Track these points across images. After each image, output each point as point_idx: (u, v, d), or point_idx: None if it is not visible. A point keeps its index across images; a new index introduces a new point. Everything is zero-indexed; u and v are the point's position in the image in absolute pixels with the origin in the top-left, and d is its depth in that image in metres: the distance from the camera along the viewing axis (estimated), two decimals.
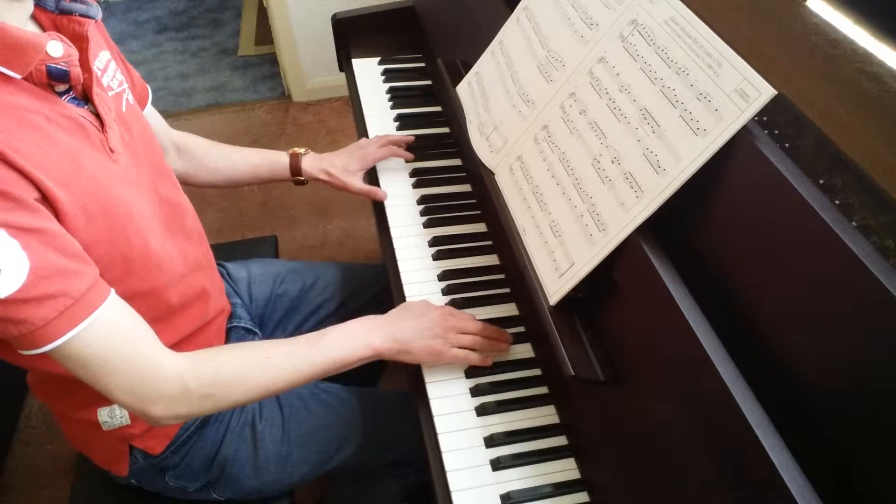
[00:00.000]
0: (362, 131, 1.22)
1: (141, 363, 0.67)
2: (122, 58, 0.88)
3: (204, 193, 2.20)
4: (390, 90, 1.30)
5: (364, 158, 1.10)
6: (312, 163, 1.10)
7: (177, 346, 0.86)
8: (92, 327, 0.62)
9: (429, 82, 1.33)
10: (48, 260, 0.59)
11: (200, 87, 2.74)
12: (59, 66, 0.63)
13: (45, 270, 0.58)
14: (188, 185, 1.08)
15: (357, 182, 1.10)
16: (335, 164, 1.09)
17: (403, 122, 1.24)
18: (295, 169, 1.10)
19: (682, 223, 0.65)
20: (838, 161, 0.64)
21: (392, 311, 0.87)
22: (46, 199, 0.60)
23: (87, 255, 0.65)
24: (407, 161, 1.14)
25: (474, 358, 0.85)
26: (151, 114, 0.99)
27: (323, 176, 1.10)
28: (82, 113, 0.68)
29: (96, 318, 0.63)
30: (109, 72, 0.77)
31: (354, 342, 0.80)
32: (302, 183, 1.13)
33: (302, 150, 1.11)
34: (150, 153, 0.82)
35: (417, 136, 1.20)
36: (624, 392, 0.70)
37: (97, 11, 0.70)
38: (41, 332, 0.60)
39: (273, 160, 1.10)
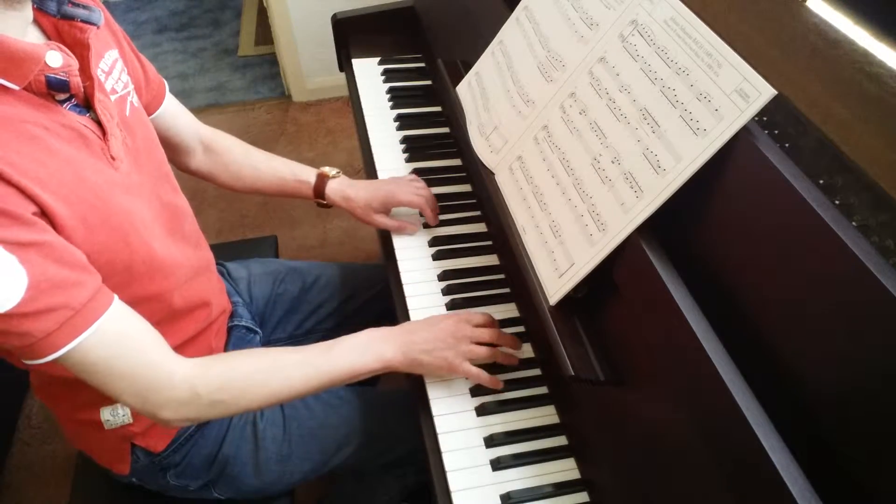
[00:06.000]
0: (362, 131, 1.22)
1: (148, 370, 0.67)
2: (135, 51, 0.86)
3: (204, 193, 2.20)
4: (390, 90, 1.30)
5: (388, 199, 1.03)
6: (337, 188, 1.05)
7: (178, 348, 0.86)
8: (95, 336, 0.63)
9: (429, 82, 1.33)
10: (47, 273, 0.58)
11: (200, 87, 2.74)
12: (58, 77, 0.63)
13: (45, 283, 0.58)
14: (211, 183, 1.06)
15: (379, 218, 1.04)
16: (358, 196, 1.04)
17: (403, 122, 1.24)
18: (319, 191, 1.05)
19: (682, 223, 0.65)
20: (838, 161, 0.64)
21: (405, 323, 0.87)
22: (44, 212, 0.60)
23: (89, 264, 0.64)
24: (431, 225, 1.05)
25: (486, 378, 0.83)
26: (175, 109, 0.97)
27: (344, 204, 1.05)
28: (83, 121, 0.67)
29: (99, 327, 0.63)
30: (115, 73, 0.76)
31: (366, 355, 0.80)
32: (325, 206, 1.07)
33: (332, 172, 1.05)
34: (152, 157, 0.81)
35: (417, 136, 1.21)
36: (624, 392, 0.70)
37: (99, 17, 0.69)
38: (43, 343, 0.60)
39: (300, 178, 1.05)
